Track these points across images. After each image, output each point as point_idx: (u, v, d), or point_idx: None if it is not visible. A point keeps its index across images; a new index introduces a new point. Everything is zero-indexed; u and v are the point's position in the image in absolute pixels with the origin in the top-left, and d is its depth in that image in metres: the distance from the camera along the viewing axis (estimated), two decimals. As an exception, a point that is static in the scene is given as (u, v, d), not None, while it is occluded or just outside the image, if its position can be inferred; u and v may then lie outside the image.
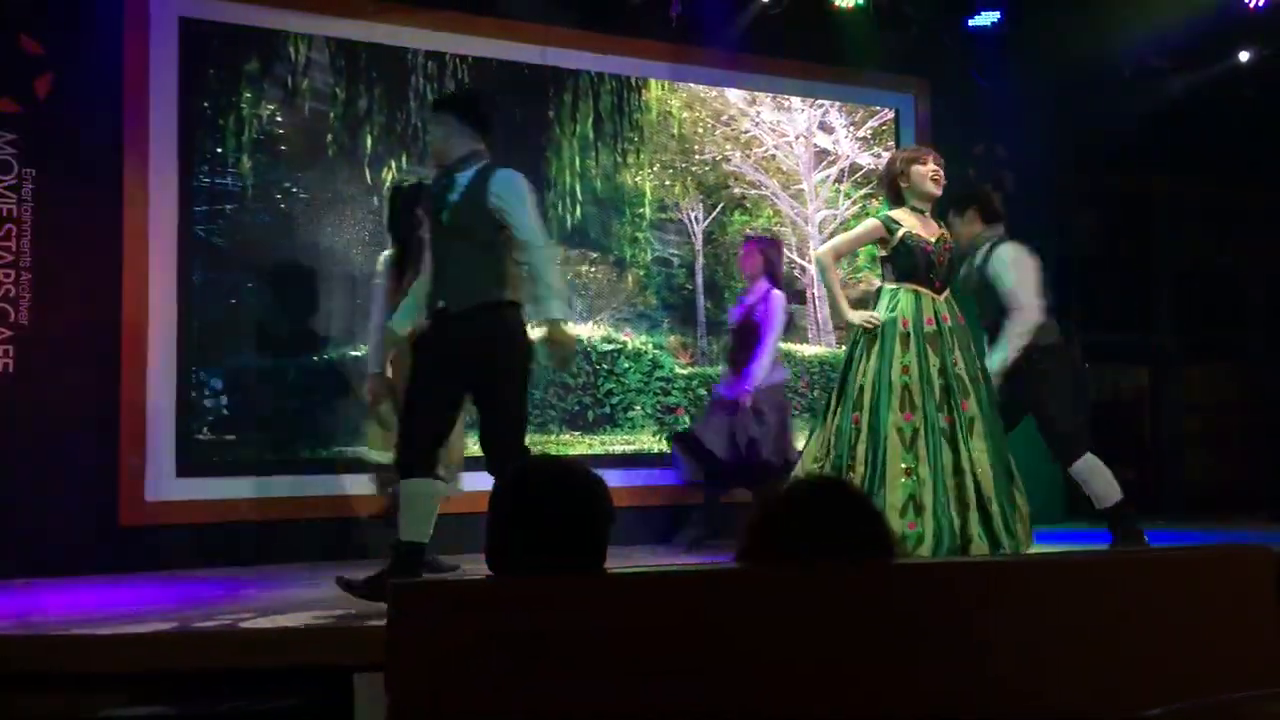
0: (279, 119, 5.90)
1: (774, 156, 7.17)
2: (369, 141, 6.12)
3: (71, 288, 5.39)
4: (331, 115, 6.03)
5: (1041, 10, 7.40)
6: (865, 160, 7.45)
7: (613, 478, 6.40)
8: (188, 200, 5.67)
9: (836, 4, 6.94)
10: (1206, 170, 8.16)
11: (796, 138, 7.29)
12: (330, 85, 6.04)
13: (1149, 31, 7.18)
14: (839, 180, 7.37)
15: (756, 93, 7.15)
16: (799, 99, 7.29)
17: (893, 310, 4.76)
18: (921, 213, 4.88)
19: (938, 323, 4.74)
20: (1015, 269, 5.34)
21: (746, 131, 7.12)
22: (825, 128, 7.37)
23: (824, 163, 7.35)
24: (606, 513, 1.81)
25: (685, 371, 6.77)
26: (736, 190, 7.04)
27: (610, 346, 6.60)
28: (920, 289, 4.79)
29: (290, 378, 5.80)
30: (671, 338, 6.77)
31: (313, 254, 5.89)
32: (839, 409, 4.79)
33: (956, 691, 1.54)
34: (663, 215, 6.82)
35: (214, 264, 5.74)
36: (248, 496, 5.62)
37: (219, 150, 5.77)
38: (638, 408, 6.65)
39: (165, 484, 5.51)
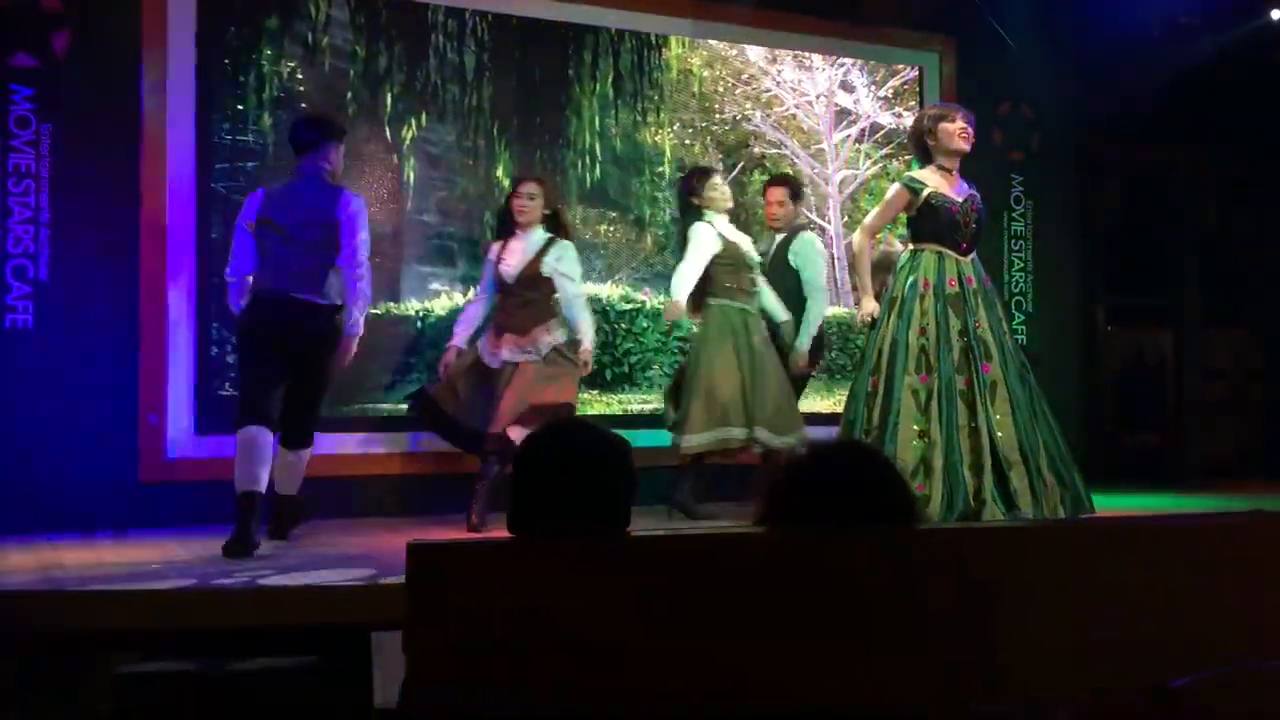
0: (298, 75, 5.86)
1: (794, 116, 7.10)
2: (389, 99, 6.08)
3: (90, 243, 5.38)
4: (351, 73, 5.99)
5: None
6: (886, 120, 7.36)
7: (634, 439, 6.42)
8: (206, 156, 5.65)
9: (861, -40, 6.85)
10: (1233, 134, 8.04)
11: (817, 97, 7.21)
12: (350, 42, 5.99)
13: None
14: (859, 140, 7.29)
15: (777, 51, 7.06)
16: (820, 58, 7.20)
17: (914, 272, 4.71)
18: (949, 171, 4.82)
19: (961, 284, 4.69)
20: (819, 258, 5.74)
21: (767, 90, 7.04)
22: (846, 87, 7.28)
23: (844, 122, 7.27)
24: (631, 479, 1.79)
25: (704, 331, 6.73)
26: (756, 150, 6.97)
27: (629, 306, 6.58)
28: (944, 250, 4.74)
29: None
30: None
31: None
32: (859, 372, 4.81)
33: (978, 661, 1.53)
34: (682, 174, 6.74)
35: (233, 220, 5.70)
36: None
37: (239, 107, 5.74)
38: (655, 367, 6.64)
39: (184, 441, 5.53)
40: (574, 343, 5.28)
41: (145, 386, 5.46)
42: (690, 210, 5.60)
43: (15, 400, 5.19)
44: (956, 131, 4.76)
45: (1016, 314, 7.67)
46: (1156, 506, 6.27)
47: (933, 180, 4.78)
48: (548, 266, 5.26)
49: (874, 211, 5.09)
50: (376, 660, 2.63)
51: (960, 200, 4.78)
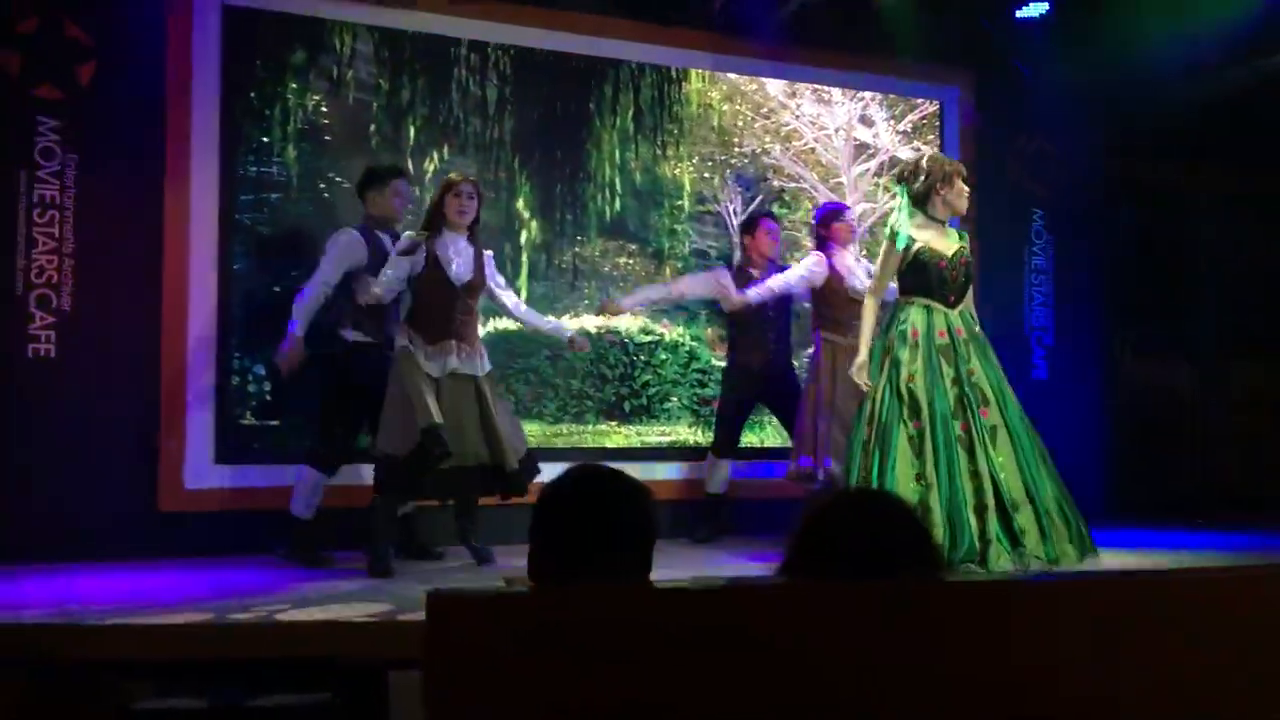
0: (322, 108, 5.91)
1: (813, 149, 7.10)
2: (411, 132, 6.12)
3: (113, 274, 5.42)
4: (375, 105, 6.03)
5: (1089, 2, 7.27)
6: (905, 154, 7.36)
7: (651, 470, 6.39)
8: (228, 187, 5.69)
9: (881, -5, 6.87)
10: (1252, 165, 8.01)
11: (836, 131, 7.22)
12: (374, 75, 6.03)
13: (1201, 25, 7.04)
14: (878, 174, 7.29)
15: (797, 86, 7.07)
16: (839, 92, 7.21)
17: (903, 323, 4.79)
18: (941, 223, 4.88)
19: (950, 335, 4.76)
20: None
21: (786, 124, 7.05)
22: (865, 121, 7.29)
23: (863, 156, 7.28)
24: (652, 525, 1.78)
25: (722, 363, 6.73)
26: (775, 183, 6.98)
27: (648, 338, 6.58)
28: (932, 303, 4.81)
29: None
30: (709, 330, 6.74)
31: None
32: (857, 421, 4.85)
33: (1007, 717, 1.50)
34: (701, 208, 6.78)
35: (256, 251, 5.76)
36: (286, 484, 5.62)
37: (264, 139, 5.78)
38: (674, 399, 6.63)
39: (203, 471, 5.54)
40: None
41: (165, 416, 5.48)
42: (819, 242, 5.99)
43: (36, 428, 5.22)
44: (966, 193, 4.87)
45: (1037, 348, 7.64)
46: (1176, 543, 6.20)
47: (924, 235, 4.84)
48: (489, 278, 5.20)
49: (875, 272, 5.08)
50: (395, 705, 2.61)
51: (949, 255, 4.84)
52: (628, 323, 6.51)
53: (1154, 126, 7.61)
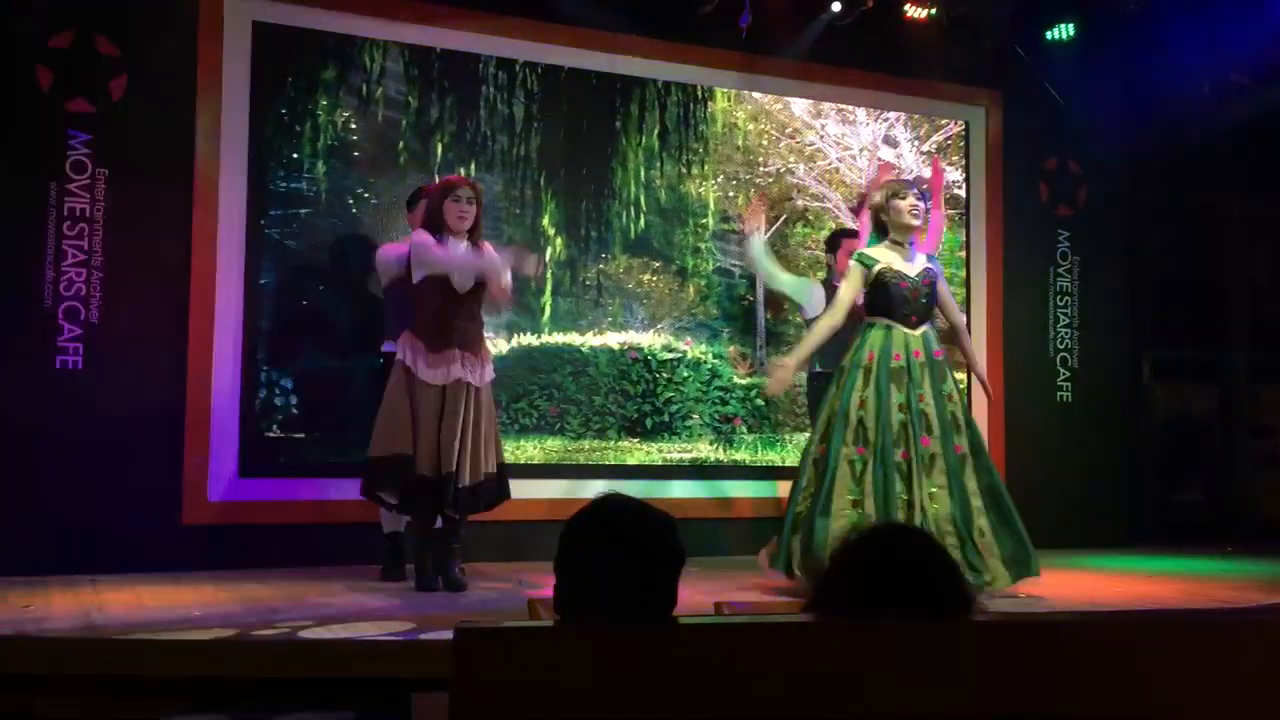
0: (351, 125, 5.95)
1: (837, 169, 7.11)
2: (439, 149, 6.15)
3: (141, 287, 5.47)
4: (403, 122, 6.07)
5: (1119, 23, 7.26)
6: (929, 174, 7.36)
7: (672, 489, 6.36)
8: (256, 202, 5.73)
9: (909, 15, 6.87)
10: (1281, 188, 7.97)
11: (860, 151, 7.22)
12: (403, 93, 6.07)
13: (1230, 47, 7.02)
14: (905, 193, 7.27)
15: (821, 106, 7.08)
16: (864, 112, 7.22)
17: (862, 345, 4.87)
18: (902, 245, 4.94)
19: (907, 357, 4.81)
20: None
21: (811, 144, 7.06)
22: (890, 141, 7.29)
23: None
24: (678, 556, 1.77)
25: (744, 381, 6.75)
26: (800, 202, 6.99)
27: (670, 355, 6.59)
28: (894, 324, 4.87)
29: (356, 380, 5.82)
30: (731, 348, 6.75)
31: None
32: (813, 436, 4.96)
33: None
34: (725, 226, 6.79)
35: (283, 265, 5.79)
36: (310, 498, 5.66)
37: (294, 155, 5.83)
38: (696, 416, 6.64)
39: (228, 484, 5.57)
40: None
41: (191, 429, 5.51)
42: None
43: (63, 440, 5.25)
44: (907, 209, 4.88)
45: (1062, 370, 7.60)
46: (1205, 569, 6.16)
47: (885, 256, 4.91)
48: (491, 262, 4.98)
49: (837, 300, 5.07)
50: (417, 722, 2.61)
51: (912, 275, 4.90)
52: (650, 340, 6.53)
53: (1183, 148, 7.58)
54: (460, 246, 4.93)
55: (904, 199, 4.90)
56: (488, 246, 5.05)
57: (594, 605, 1.71)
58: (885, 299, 4.88)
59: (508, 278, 4.92)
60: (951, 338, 5.55)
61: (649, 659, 1.51)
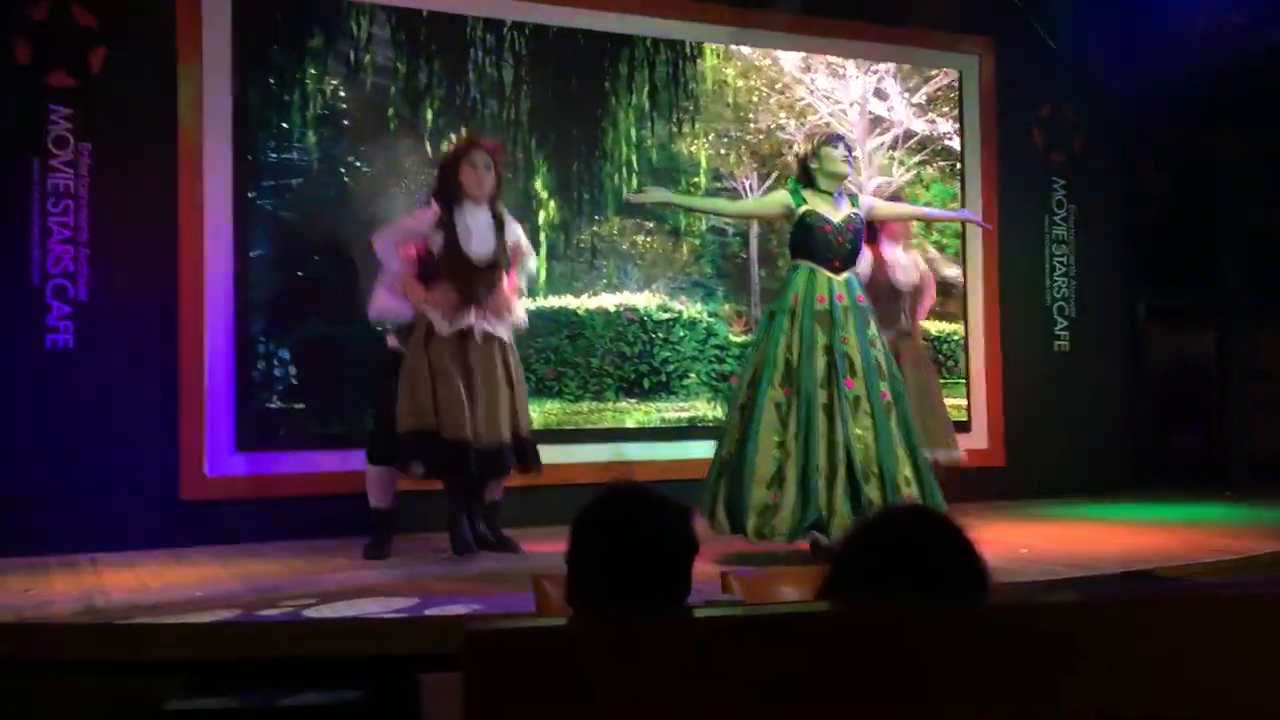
0: (338, 91, 5.85)
1: (829, 124, 7.02)
2: (429, 115, 6.06)
3: (129, 262, 5.40)
4: (393, 89, 5.98)
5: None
6: (920, 127, 7.30)
7: (669, 450, 6.34)
8: (243, 173, 5.65)
9: (899, -37, 6.77)
10: (1278, 130, 7.90)
11: (851, 105, 7.14)
12: (391, 59, 5.97)
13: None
14: (893, 147, 7.22)
15: (811, 60, 6.98)
16: (853, 66, 7.13)
17: (787, 288, 4.92)
18: (829, 194, 4.98)
19: (831, 301, 4.83)
20: None
21: (801, 99, 6.98)
22: (880, 94, 7.21)
23: (878, 130, 7.20)
24: (692, 545, 1.74)
25: (739, 339, 6.73)
26: (790, 158, 6.90)
27: (665, 315, 6.56)
28: (817, 267, 4.89)
29: (351, 351, 5.77)
30: (726, 306, 6.72)
31: (373, 227, 5.83)
32: (740, 383, 4.97)
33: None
34: (717, 184, 6.72)
35: (274, 236, 5.72)
36: (308, 471, 5.63)
37: (284, 125, 5.74)
38: (692, 375, 6.62)
39: (225, 458, 5.54)
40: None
41: (185, 404, 5.47)
42: None
43: (57, 419, 5.21)
44: (839, 156, 4.94)
45: (1059, 319, 7.57)
46: (1205, 516, 6.18)
47: (812, 200, 4.95)
48: (511, 242, 4.94)
49: (753, 199, 5.40)
50: (426, 706, 2.59)
51: (836, 221, 4.93)
52: (646, 300, 6.49)
53: (1180, 91, 7.50)
54: (480, 216, 4.82)
55: (835, 147, 4.95)
56: (514, 226, 5.01)
57: (607, 596, 1.69)
58: (808, 241, 4.91)
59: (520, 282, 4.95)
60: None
61: (663, 653, 1.48)
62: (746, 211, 5.83)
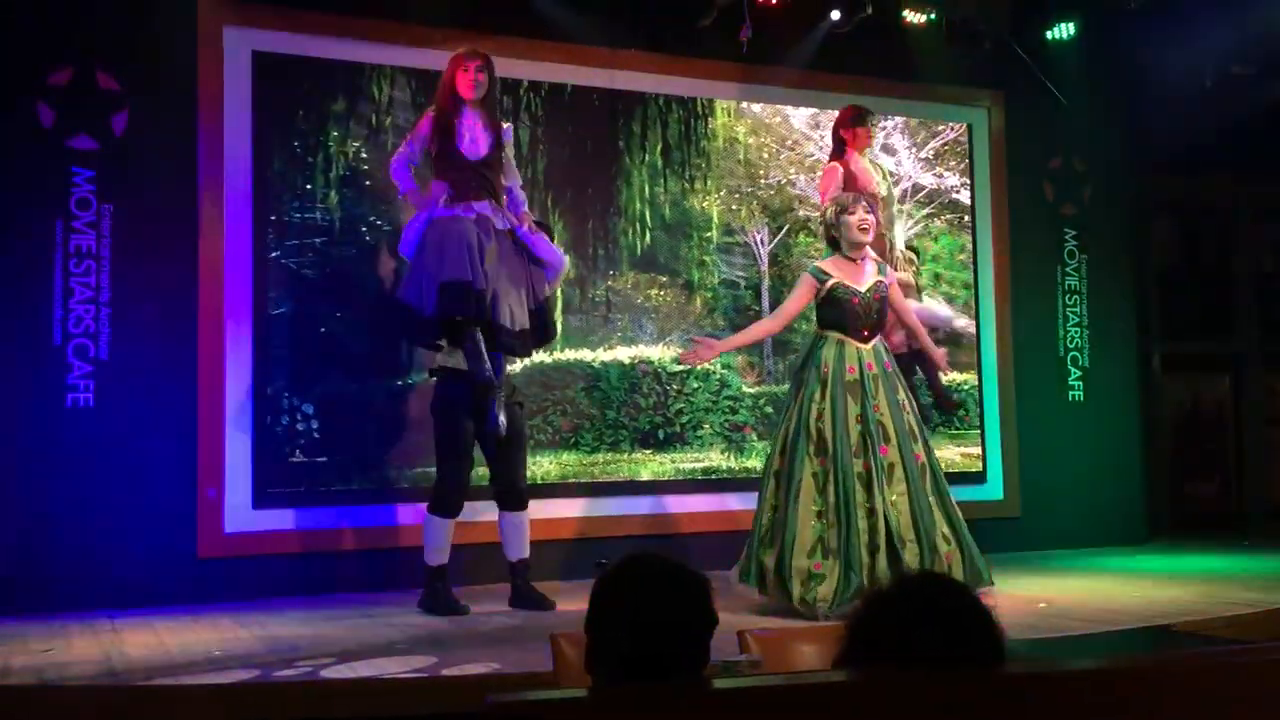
0: (360, 153, 5.93)
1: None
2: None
3: (150, 322, 5.46)
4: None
5: (1119, 20, 7.24)
6: (928, 180, 7.37)
7: (688, 503, 6.33)
8: (263, 233, 5.72)
9: (908, 20, 6.86)
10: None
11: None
12: (411, 122, 6.03)
13: (1232, 40, 7.00)
14: (901, 201, 7.27)
15: (820, 117, 7.05)
16: (862, 121, 7.20)
17: (816, 359, 4.98)
18: (854, 261, 5.04)
19: (861, 370, 4.90)
20: None
21: (810, 155, 7.05)
22: (888, 149, 7.27)
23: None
24: (710, 616, 1.76)
25: (752, 390, 6.77)
26: (801, 213, 6.99)
27: (679, 367, 6.59)
28: (846, 338, 4.96)
29: (370, 409, 5.82)
30: (739, 358, 6.75)
31: (394, 284, 5.87)
32: (772, 448, 5.06)
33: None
34: (729, 239, 6.80)
35: (296, 294, 5.77)
36: (326, 528, 5.65)
37: (307, 186, 5.82)
38: (706, 426, 6.65)
39: (243, 516, 5.56)
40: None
41: (204, 462, 5.50)
42: None
43: (77, 477, 5.25)
44: (856, 224, 4.98)
45: (1073, 369, 7.58)
46: (1224, 567, 6.14)
47: (837, 271, 5.01)
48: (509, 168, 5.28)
49: (785, 303, 5.28)
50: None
51: (863, 290, 4.99)
52: (659, 352, 6.54)
53: (1188, 141, 7.56)
54: (474, 116, 5.06)
55: (852, 214, 4.99)
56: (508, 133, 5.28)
57: (625, 667, 1.71)
58: (838, 314, 4.97)
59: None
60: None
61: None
62: (789, 315, 5.32)
